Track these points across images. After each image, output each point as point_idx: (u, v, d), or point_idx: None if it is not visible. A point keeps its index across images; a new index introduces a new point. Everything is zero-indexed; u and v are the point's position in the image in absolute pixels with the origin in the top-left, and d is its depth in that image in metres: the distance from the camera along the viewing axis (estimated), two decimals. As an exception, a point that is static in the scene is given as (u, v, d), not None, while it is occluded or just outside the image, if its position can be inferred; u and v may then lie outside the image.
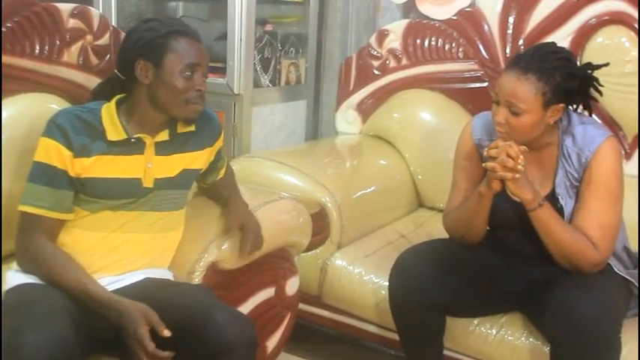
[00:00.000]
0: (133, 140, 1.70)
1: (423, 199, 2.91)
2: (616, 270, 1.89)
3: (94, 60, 2.03)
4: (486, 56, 2.80)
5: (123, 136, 1.69)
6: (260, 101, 2.98)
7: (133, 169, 1.71)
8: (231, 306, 1.69)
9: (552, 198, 1.87)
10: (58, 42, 1.95)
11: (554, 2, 2.63)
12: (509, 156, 1.73)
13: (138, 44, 1.69)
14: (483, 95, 2.75)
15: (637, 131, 2.51)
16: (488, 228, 1.99)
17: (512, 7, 2.72)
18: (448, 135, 2.40)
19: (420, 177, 2.87)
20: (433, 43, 2.90)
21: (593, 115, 1.99)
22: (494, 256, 2.00)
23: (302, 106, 3.27)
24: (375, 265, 2.31)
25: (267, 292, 2.05)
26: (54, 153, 1.63)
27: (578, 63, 2.25)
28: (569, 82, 1.81)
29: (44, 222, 1.63)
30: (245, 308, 1.95)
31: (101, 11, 2.53)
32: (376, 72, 3.03)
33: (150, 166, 1.72)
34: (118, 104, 1.73)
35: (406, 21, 2.99)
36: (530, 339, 1.95)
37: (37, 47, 1.90)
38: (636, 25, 2.48)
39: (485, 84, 2.79)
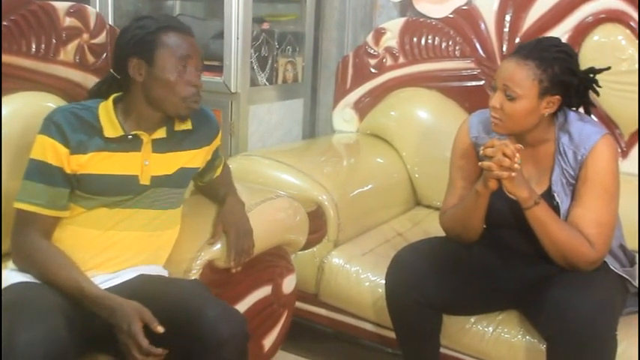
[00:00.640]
0: (129, 137, 1.70)
1: (419, 198, 2.92)
2: (612, 268, 1.89)
3: (90, 58, 2.03)
4: (483, 54, 2.80)
5: (120, 133, 1.69)
6: (257, 100, 2.98)
7: (129, 166, 1.71)
8: (223, 301, 1.69)
9: (548, 196, 1.88)
10: (54, 40, 1.95)
11: (551, 0, 2.64)
12: (505, 155, 1.73)
13: (130, 43, 1.69)
14: (480, 93, 2.75)
15: (632, 130, 2.52)
16: (484, 226, 2.00)
17: (508, 5, 2.73)
18: (445, 133, 2.40)
19: (416, 175, 2.87)
20: (430, 41, 2.90)
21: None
22: (491, 255, 2.00)
23: (299, 105, 3.27)
24: (371, 264, 2.32)
25: (264, 291, 2.05)
26: (50, 150, 1.63)
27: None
28: (567, 75, 1.82)
29: (40, 219, 1.63)
30: (242, 306, 1.95)
31: (98, 10, 2.55)
32: (373, 70, 3.03)
33: (147, 164, 1.72)
34: (115, 102, 1.73)
35: (403, 19, 2.99)
36: (527, 337, 1.96)
37: (34, 46, 1.90)
38: (632, 23, 2.48)
39: (482, 82, 2.80)
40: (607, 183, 1.84)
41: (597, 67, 1.91)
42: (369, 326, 2.32)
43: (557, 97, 1.83)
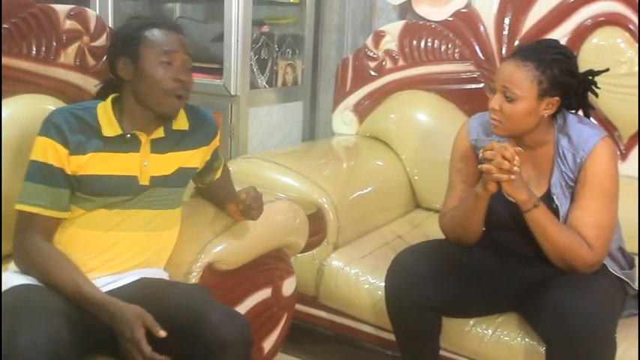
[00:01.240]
0: (128, 137, 1.70)
1: (419, 200, 2.92)
2: (611, 270, 1.90)
3: (90, 61, 2.03)
4: (482, 57, 2.81)
5: (118, 131, 1.69)
6: (257, 102, 2.98)
7: (128, 167, 1.71)
8: (226, 305, 1.69)
9: (548, 198, 1.88)
10: (54, 43, 1.95)
11: (550, 3, 2.64)
12: (504, 157, 1.73)
13: (117, 42, 1.71)
14: (479, 96, 2.76)
15: (632, 132, 2.52)
16: (484, 229, 2.00)
17: (508, 8, 2.73)
18: (444, 136, 2.40)
19: (416, 178, 2.87)
20: (429, 44, 2.91)
21: (589, 116, 2.00)
22: (490, 257, 2.00)
23: (299, 107, 3.27)
24: (371, 266, 2.32)
25: (264, 293, 2.05)
26: (50, 151, 1.63)
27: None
28: (566, 76, 1.82)
29: (41, 221, 1.63)
30: (242, 309, 1.95)
31: (98, 12, 2.54)
32: (372, 73, 3.03)
33: (146, 164, 1.73)
34: (113, 102, 1.74)
35: (402, 22, 2.99)
36: (526, 339, 1.96)
37: (34, 48, 1.91)
38: (631, 26, 2.49)
39: (482, 85, 2.80)
40: (606, 185, 1.84)
41: (596, 69, 1.91)
42: (368, 329, 2.32)
43: (557, 98, 1.83)
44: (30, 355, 1.34)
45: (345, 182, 2.61)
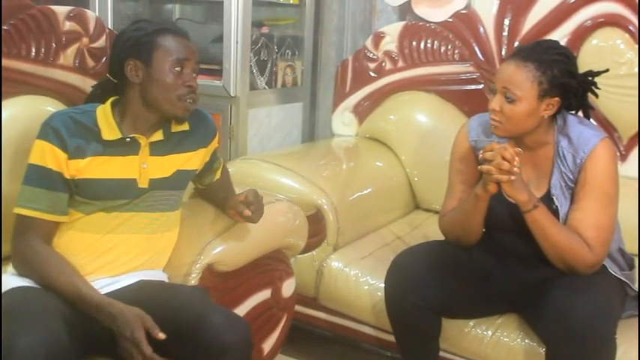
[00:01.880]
0: (127, 140, 1.70)
1: (419, 201, 2.92)
2: (611, 271, 1.90)
3: (90, 62, 2.03)
4: (482, 58, 2.81)
5: (118, 135, 1.69)
6: (256, 103, 2.98)
7: (127, 170, 1.71)
8: (226, 308, 1.69)
9: (547, 199, 1.88)
10: (54, 44, 1.95)
11: (550, 4, 2.64)
12: (504, 158, 1.73)
13: (127, 44, 1.70)
14: (479, 97, 2.75)
15: (631, 133, 2.52)
16: (484, 230, 2.00)
17: (507, 9, 2.73)
18: (444, 137, 2.40)
19: (416, 179, 2.87)
20: (429, 45, 2.90)
21: (588, 117, 2.00)
22: (490, 258, 2.00)
23: (298, 109, 3.27)
24: (371, 267, 2.32)
25: (264, 294, 2.05)
26: (49, 155, 1.63)
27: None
28: (567, 77, 1.82)
29: (39, 224, 1.63)
30: (241, 310, 1.95)
31: (97, 14, 2.54)
32: (372, 74, 3.03)
33: (145, 167, 1.73)
34: (113, 105, 1.74)
35: (402, 23, 2.99)
36: (526, 340, 1.96)
37: (33, 50, 1.91)
38: (631, 28, 2.49)
39: (481, 86, 2.80)
40: (606, 186, 1.84)
41: (596, 70, 1.91)
42: (368, 330, 2.32)
43: (557, 99, 1.83)
44: (28, 357, 1.34)
45: (345, 183, 2.61)
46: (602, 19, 2.54)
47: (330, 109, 3.22)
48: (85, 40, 2.02)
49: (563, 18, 2.61)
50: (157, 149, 1.75)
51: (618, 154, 2.50)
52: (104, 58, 2.05)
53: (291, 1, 3.20)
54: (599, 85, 1.91)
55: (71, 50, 1.99)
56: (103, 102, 1.75)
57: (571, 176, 1.88)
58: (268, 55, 3.02)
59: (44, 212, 1.63)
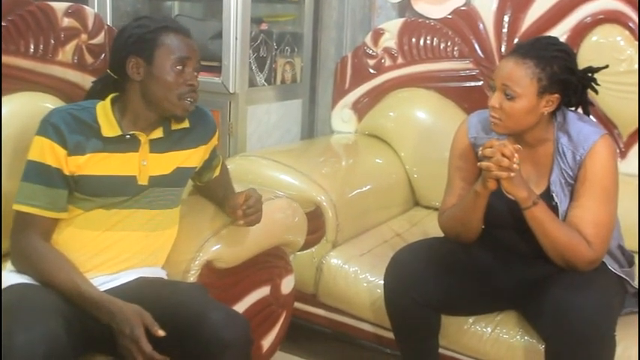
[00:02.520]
0: (127, 137, 1.70)
1: (418, 198, 2.91)
2: (611, 268, 1.90)
3: (88, 59, 2.03)
4: (482, 55, 2.80)
5: (118, 132, 1.69)
6: (255, 100, 2.98)
7: (127, 167, 1.71)
8: (225, 304, 1.69)
9: (547, 196, 1.88)
10: (52, 41, 1.94)
11: (550, 1, 2.64)
12: (504, 155, 1.73)
13: (129, 41, 1.70)
14: (479, 94, 2.75)
15: (631, 130, 2.52)
16: (483, 226, 2.00)
17: (507, 5, 2.73)
18: (443, 134, 2.40)
19: (415, 176, 2.87)
20: (428, 41, 2.90)
21: (588, 114, 2.00)
22: (489, 255, 2.00)
23: (297, 105, 3.27)
24: (370, 264, 2.32)
25: (263, 291, 2.05)
26: (48, 152, 1.62)
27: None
28: (566, 74, 1.82)
29: (38, 221, 1.63)
30: (240, 307, 1.95)
31: (96, 10, 2.54)
32: (372, 71, 3.03)
33: (145, 164, 1.72)
34: (113, 102, 1.73)
35: (401, 20, 2.99)
36: (525, 337, 1.96)
37: (32, 46, 1.90)
38: (631, 24, 2.48)
39: (481, 83, 2.80)
40: (605, 183, 1.84)
41: (595, 66, 1.91)
42: (367, 327, 2.32)
43: (556, 95, 1.83)
44: (28, 354, 1.34)
45: (344, 180, 2.61)
46: (601, 16, 2.54)
47: (329, 106, 3.21)
48: (84, 36, 2.01)
49: (563, 15, 2.61)
50: (156, 146, 1.75)
51: (618, 151, 2.50)
52: (103, 55, 2.05)
53: (290, -2, 3.20)
54: (598, 82, 1.91)
55: (70, 47, 1.98)
56: (103, 98, 1.74)
57: (571, 173, 1.88)
58: (267, 52, 3.02)
59: (43, 209, 1.63)
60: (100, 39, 2.05)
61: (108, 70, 1.79)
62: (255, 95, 2.98)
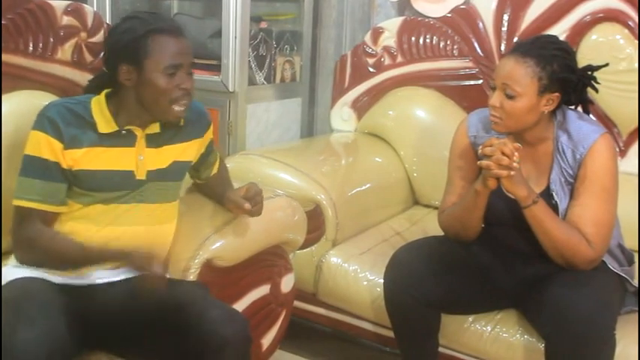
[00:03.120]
0: (123, 132, 1.70)
1: (418, 197, 2.91)
2: (610, 267, 1.90)
3: (87, 57, 2.03)
4: (481, 54, 2.80)
5: (114, 128, 1.69)
6: (255, 99, 2.98)
7: (124, 162, 1.71)
8: (225, 303, 1.69)
9: (547, 195, 1.88)
10: (51, 39, 1.94)
11: (549, -1, 2.64)
12: (503, 154, 1.73)
13: (118, 47, 1.67)
14: (478, 92, 2.75)
15: (631, 129, 2.52)
16: (483, 225, 2.00)
17: (507, 4, 2.73)
18: (443, 132, 2.40)
19: (415, 174, 2.87)
20: (428, 40, 2.90)
21: (588, 113, 2.00)
22: (489, 253, 2.00)
23: (297, 104, 3.27)
24: (370, 263, 2.31)
25: (263, 290, 2.05)
26: (45, 145, 1.62)
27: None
28: (566, 72, 1.82)
29: (37, 214, 1.63)
30: (240, 305, 1.95)
31: (95, 8, 2.54)
32: (371, 69, 3.03)
33: (141, 159, 1.72)
34: (108, 97, 1.72)
35: (401, 18, 2.98)
36: (525, 336, 1.96)
37: (31, 44, 1.90)
38: (630, 23, 2.48)
39: (480, 81, 2.80)
40: (605, 182, 1.84)
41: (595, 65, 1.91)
42: (367, 325, 2.32)
43: (557, 94, 1.83)
44: (29, 349, 1.34)
45: (344, 179, 2.60)
46: (601, 15, 2.54)
47: (328, 105, 3.21)
48: (83, 34, 2.01)
49: (563, 13, 2.61)
50: (152, 141, 1.75)
51: (618, 149, 2.50)
52: (102, 53, 2.04)
53: (290, -4, 3.20)
54: (598, 80, 1.91)
55: (69, 45, 1.98)
56: (98, 93, 1.74)
57: (570, 172, 1.88)
58: (267, 51, 3.02)
59: (41, 202, 1.63)
60: (99, 37, 2.05)
61: (104, 68, 1.79)
62: (255, 94, 2.98)
